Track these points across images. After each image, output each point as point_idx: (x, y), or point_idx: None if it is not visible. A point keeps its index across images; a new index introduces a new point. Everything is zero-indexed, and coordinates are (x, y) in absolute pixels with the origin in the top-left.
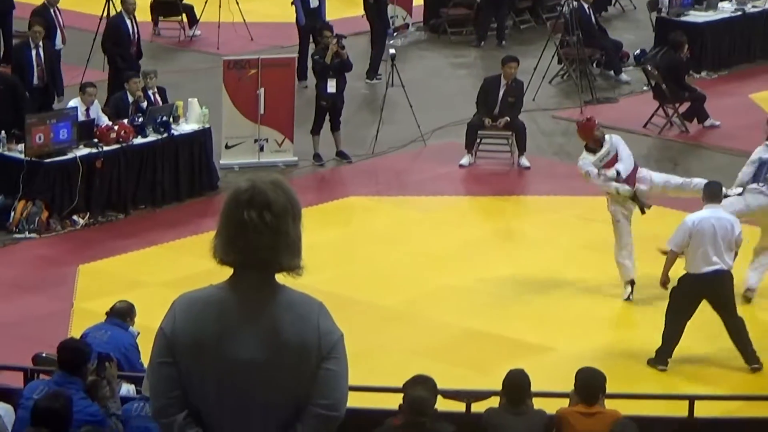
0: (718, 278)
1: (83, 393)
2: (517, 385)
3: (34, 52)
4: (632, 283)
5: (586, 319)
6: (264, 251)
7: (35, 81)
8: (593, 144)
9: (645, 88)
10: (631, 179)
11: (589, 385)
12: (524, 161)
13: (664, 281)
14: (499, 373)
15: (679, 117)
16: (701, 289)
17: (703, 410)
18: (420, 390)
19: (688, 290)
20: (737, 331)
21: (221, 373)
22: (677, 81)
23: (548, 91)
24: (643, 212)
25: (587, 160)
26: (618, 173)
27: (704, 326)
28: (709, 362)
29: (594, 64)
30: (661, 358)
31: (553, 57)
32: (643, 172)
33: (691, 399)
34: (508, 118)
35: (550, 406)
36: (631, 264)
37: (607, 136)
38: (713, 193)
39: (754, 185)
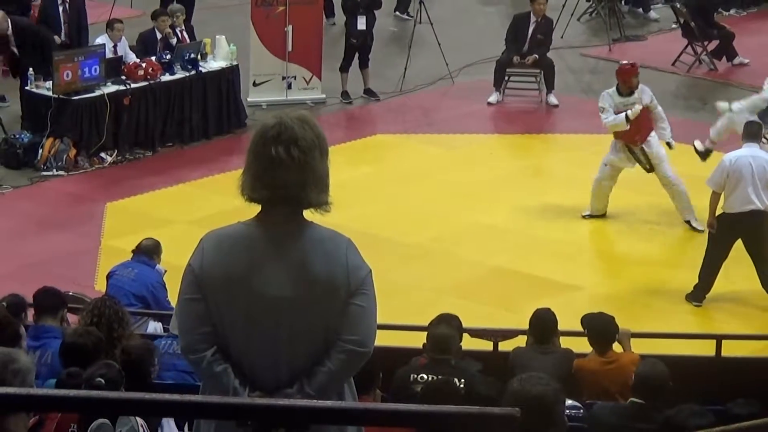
0: (754, 217)
1: None
2: (544, 323)
3: (61, 8)
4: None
5: (613, 257)
6: (292, 187)
7: (62, 37)
8: (625, 88)
9: (674, 25)
10: (643, 134)
11: (602, 331)
12: (552, 99)
13: (712, 222)
14: (527, 312)
15: (708, 55)
16: (737, 229)
17: (730, 349)
18: (443, 328)
19: (724, 229)
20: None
21: (250, 309)
22: (706, 18)
23: (577, 28)
24: (647, 170)
25: (609, 99)
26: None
27: (734, 266)
28: (737, 302)
29: (623, 2)
30: (697, 295)
31: None
32: (655, 138)
33: (719, 338)
34: (537, 56)
35: (577, 345)
36: (597, 201)
37: (641, 86)
38: (752, 132)
39: None
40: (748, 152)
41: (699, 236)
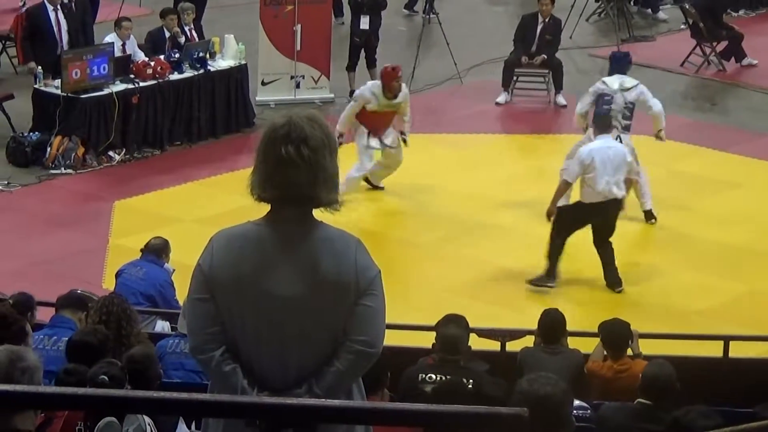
0: (610, 206)
1: None
2: (552, 323)
3: (53, 15)
4: None
5: (619, 258)
6: (302, 186)
7: (63, 47)
8: (389, 91)
9: (682, 26)
10: (382, 129)
11: (617, 337)
12: (561, 99)
13: (552, 210)
14: (534, 312)
15: (717, 56)
16: (592, 216)
17: (738, 350)
18: (453, 328)
19: (578, 216)
20: (610, 255)
21: (259, 309)
22: (715, 19)
23: (585, 29)
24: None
25: (370, 94)
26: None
27: (738, 268)
28: (743, 303)
29: (631, 2)
30: (543, 278)
31: None
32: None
33: (726, 339)
34: (545, 56)
35: (584, 346)
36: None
37: (403, 87)
38: (604, 124)
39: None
40: (604, 143)
41: (708, 238)
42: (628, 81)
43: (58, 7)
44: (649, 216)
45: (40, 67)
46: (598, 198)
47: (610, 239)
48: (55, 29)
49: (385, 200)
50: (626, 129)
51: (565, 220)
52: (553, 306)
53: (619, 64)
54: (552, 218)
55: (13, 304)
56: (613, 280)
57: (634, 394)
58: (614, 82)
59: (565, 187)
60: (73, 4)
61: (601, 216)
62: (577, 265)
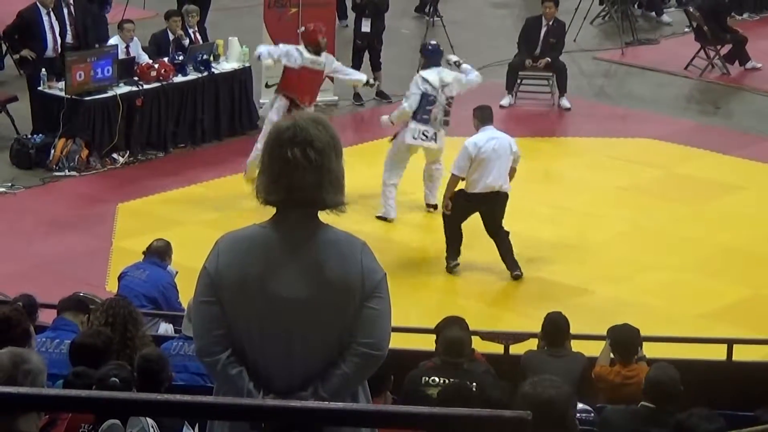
0: (498, 197)
1: None
2: (556, 327)
3: (46, 19)
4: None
5: (624, 261)
6: (309, 189)
7: (50, 51)
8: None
9: (686, 29)
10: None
11: (626, 343)
12: (565, 102)
13: (448, 204)
14: (538, 316)
15: (721, 59)
16: (478, 205)
17: (742, 354)
18: (456, 330)
19: (465, 205)
20: (506, 242)
21: (265, 312)
22: (719, 23)
23: (589, 32)
24: None
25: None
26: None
27: (742, 271)
28: (747, 306)
29: (635, 5)
30: (449, 263)
31: None
32: None
33: (730, 342)
34: (549, 59)
35: (588, 349)
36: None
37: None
38: (487, 116)
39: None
40: (489, 135)
41: (712, 242)
42: (446, 74)
43: (51, 10)
44: (430, 207)
45: (43, 69)
46: (484, 189)
47: (503, 228)
48: (47, 32)
49: None
50: (445, 124)
51: (454, 210)
52: (556, 310)
53: (434, 56)
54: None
55: (23, 306)
56: (510, 266)
57: (641, 400)
58: (435, 78)
59: (455, 180)
60: (71, 6)
61: (486, 206)
62: (586, 273)
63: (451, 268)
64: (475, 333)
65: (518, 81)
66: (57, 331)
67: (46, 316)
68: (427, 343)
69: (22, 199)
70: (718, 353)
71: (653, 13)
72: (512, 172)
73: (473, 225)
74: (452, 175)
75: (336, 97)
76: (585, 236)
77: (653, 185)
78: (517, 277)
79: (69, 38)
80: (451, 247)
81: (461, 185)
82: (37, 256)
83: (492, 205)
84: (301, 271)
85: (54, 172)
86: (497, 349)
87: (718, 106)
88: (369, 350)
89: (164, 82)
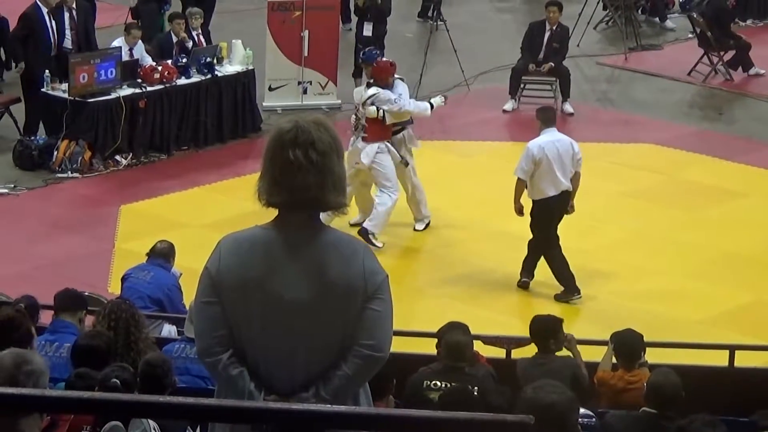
0: (564, 198)
1: None
2: (539, 330)
3: (47, 19)
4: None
5: (626, 266)
6: (311, 190)
7: (53, 50)
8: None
9: (690, 35)
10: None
11: (629, 348)
12: (568, 107)
13: (519, 208)
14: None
15: (724, 65)
16: (555, 210)
17: (744, 360)
18: (458, 335)
19: (545, 214)
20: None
21: (266, 313)
22: (723, 29)
23: (593, 37)
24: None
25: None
26: None
27: (744, 277)
28: (749, 312)
29: (639, 11)
30: (568, 292)
31: (598, 3)
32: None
33: (732, 348)
34: (553, 64)
35: (589, 353)
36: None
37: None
38: (549, 117)
39: None
40: (551, 138)
41: (714, 248)
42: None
43: (58, 10)
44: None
45: (47, 71)
46: (553, 192)
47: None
48: (50, 31)
49: None
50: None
51: (540, 219)
52: (556, 313)
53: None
54: (521, 215)
55: (25, 307)
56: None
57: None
58: (360, 90)
59: (521, 185)
60: (73, 11)
61: (561, 208)
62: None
63: (568, 297)
64: (477, 337)
65: (521, 86)
66: (56, 334)
67: (47, 318)
68: (429, 347)
69: (24, 200)
70: (719, 359)
71: (657, 19)
72: (576, 177)
73: (474, 227)
74: (518, 179)
75: (339, 101)
76: (587, 241)
77: (656, 191)
78: (525, 284)
79: (69, 44)
80: (565, 278)
81: (526, 194)
82: (40, 258)
83: (561, 208)
84: (303, 273)
85: (57, 173)
86: (499, 353)
87: (721, 112)
88: (370, 352)
89: (167, 85)
